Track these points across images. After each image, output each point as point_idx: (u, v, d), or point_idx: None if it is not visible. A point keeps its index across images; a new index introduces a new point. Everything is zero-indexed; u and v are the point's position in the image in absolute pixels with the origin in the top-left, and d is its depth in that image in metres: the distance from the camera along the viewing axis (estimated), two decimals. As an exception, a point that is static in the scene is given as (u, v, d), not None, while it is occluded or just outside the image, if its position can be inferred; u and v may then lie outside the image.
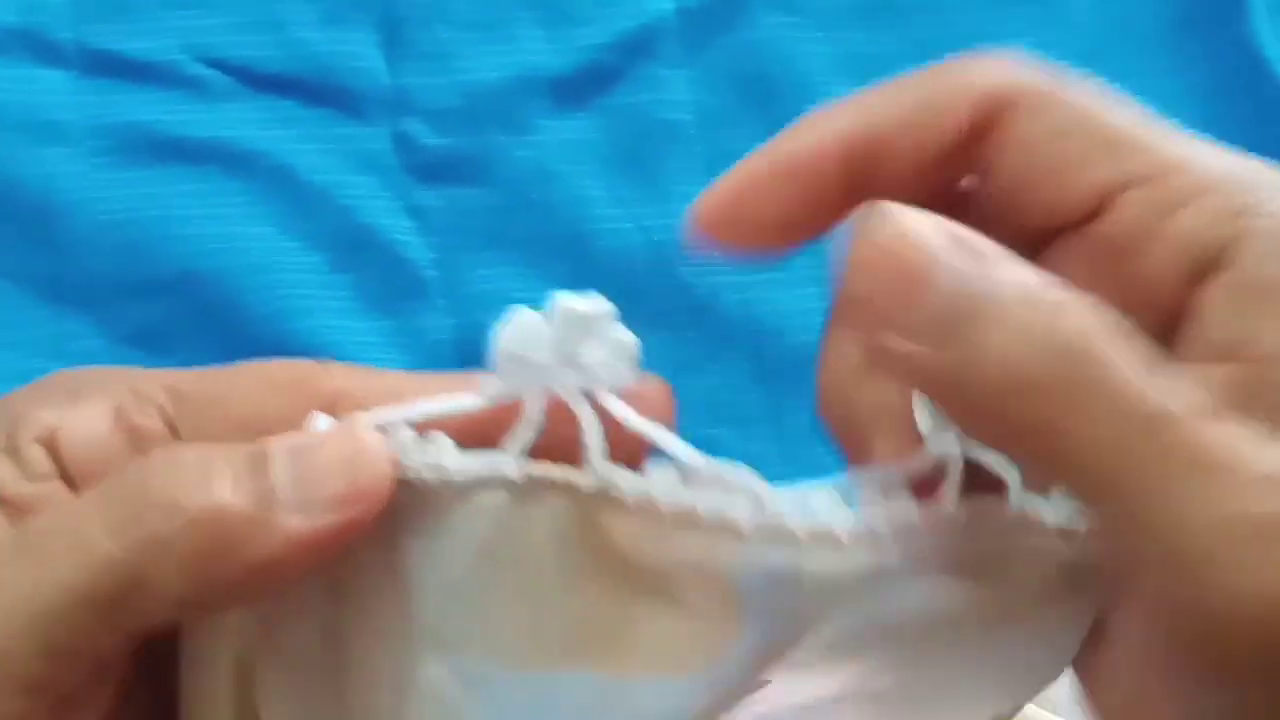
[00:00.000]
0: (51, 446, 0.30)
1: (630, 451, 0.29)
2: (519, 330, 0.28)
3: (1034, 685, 0.31)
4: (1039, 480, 0.30)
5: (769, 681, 0.30)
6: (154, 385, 0.31)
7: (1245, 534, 0.24)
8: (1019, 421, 0.25)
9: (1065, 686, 0.55)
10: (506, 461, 0.29)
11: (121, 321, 0.65)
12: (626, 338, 0.28)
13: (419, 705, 0.29)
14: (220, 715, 0.30)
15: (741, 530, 0.28)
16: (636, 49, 0.69)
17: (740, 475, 0.29)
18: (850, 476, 0.30)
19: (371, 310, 0.66)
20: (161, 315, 0.65)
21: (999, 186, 0.30)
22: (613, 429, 0.29)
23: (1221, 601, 0.24)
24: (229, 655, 0.30)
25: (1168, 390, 0.25)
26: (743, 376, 0.67)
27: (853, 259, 0.27)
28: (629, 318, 0.29)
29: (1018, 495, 0.29)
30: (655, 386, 0.30)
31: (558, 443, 0.29)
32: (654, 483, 0.29)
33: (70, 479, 0.30)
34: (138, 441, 0.30)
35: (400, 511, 0.29)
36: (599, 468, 0.28)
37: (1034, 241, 0.30)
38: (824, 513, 0.29)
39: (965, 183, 0.31)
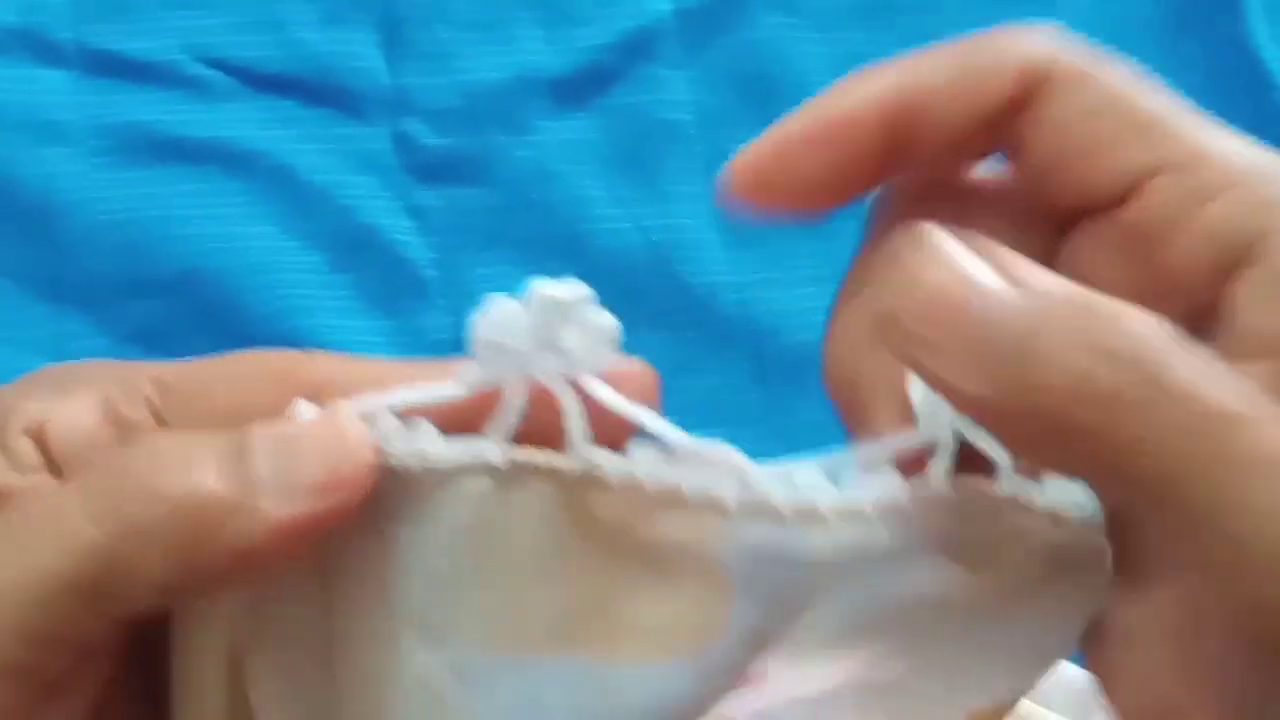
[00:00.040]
0: (39, 438, 0.30)
1: (614, 435, 0.29)
2: (497, 317, 0.28)
3: (1034, 672, 0.31)
4: (1039, 470, 0.30)
5: (764, 674, 0.30)
6: (141, 377, 0.31)
7: None
8: (1082, 433, 0.25)
9: (1063, 686, 0.55)
10: (489, 447, 0.29)
11: (122, 321, 0.65)
12: (606, 321, 0.28)
13: (406, 692, 0.29)
14: (211, 701, 0.30)
15: (726, 507, 0.28)
16: (636, 49, 0.70)
17: (725, 453, 0.29)
18: (838, 454, 0.30)
19: (371, 310, 0.67)
20: (162, 315, 0.65)
21: (1030, 163, 0.30)
22: (596, 413, 0.29)
23: None
24: (219, 641, 0.30)
25: (1231, 391, 0.25)
26: (742, 376, 0.67)
27: (893, 286, 0.26)
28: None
29: (1008, 477, 0.29)
30: (638, 368, 0.30)
31: (542, 428, 0.29)
32: (637, 463, 0.29)
33: (58, 470, 0.30)
34: (125, 433, 0.30)
35: (384, 499, 0.29)
36: (582, 450, 0.29)
37: (1060, 223, 0.30)
38: (809, 489, 0.29)
39: (982, 168, 0.31)
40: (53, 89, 0.67)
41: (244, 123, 0.68)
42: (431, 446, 0.29)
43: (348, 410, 0.29)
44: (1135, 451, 0.25)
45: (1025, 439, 0.27)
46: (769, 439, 0.66)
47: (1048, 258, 0.31)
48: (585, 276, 0.28)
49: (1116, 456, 0.25)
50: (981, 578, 0.30)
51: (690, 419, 0.29)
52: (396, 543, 0.29)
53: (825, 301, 0.32)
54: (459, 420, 0.29)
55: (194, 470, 0.28)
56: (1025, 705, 0.53)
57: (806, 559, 0.29)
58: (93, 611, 0.27)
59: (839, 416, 0.32)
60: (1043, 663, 0.31)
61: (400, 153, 0.68)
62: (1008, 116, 0.30)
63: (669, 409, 0.29)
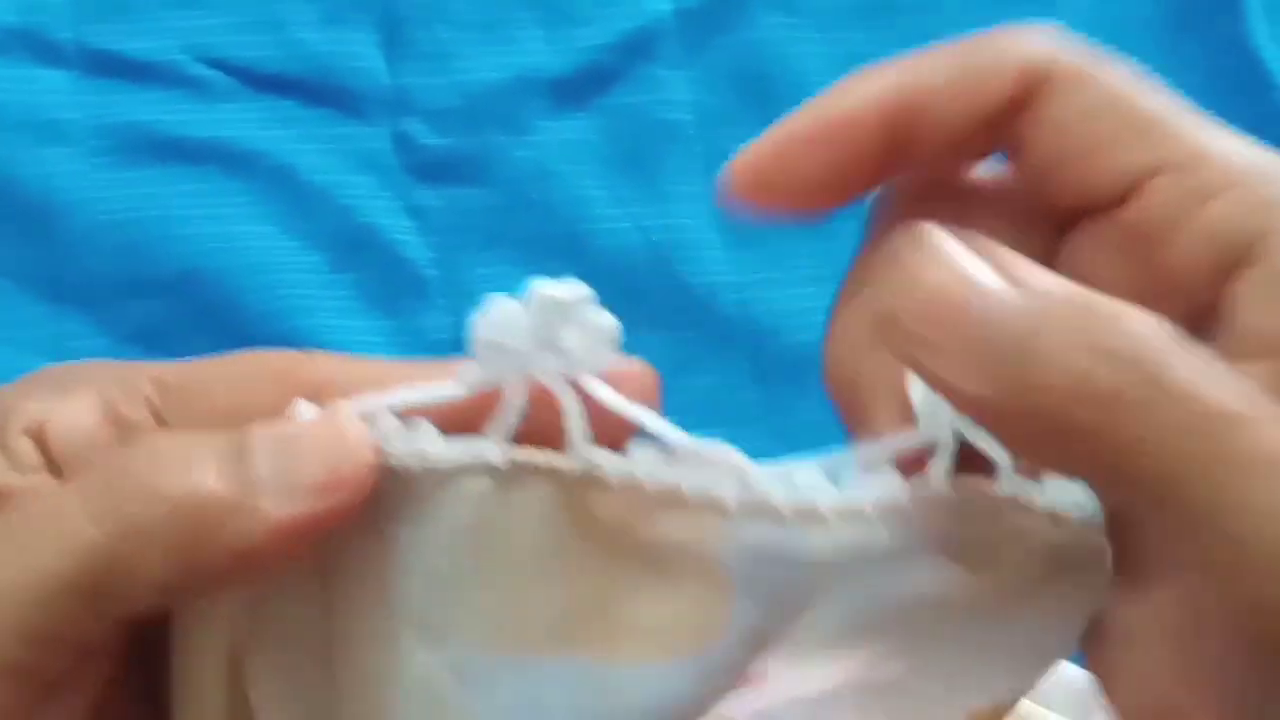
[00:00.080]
0: (39, 438, 0.30)
1: (614, 435, 0.29)
2: (497, 317, 0.28)
3: (1034, 672, 0.31)
4: (1039, 470, 0.30)
5: (764, 674, 0.30)
6: (141, 377, 0.31)
7: None
8: (1082, 433, 0.25)
9: (1063, 686, 0.55)
10: (489, 447, 0.29)
11: (122, 321, 0.65)
12: (606, 321, 0.28)
13: (406, 692, 0.29)
14: (211, 701, 0.30)
15: (726, 507, 0.28)
16: (635, 49, 0.70)
17: (725, 453, 0.29)
18: (838, 454, 0.30)
19: (372, 310, 0.67)
20: (162, 315, 0.65)
21: (1030, 163, 0.30)
22: (596, 413, 0.29)
23: None
24: (219, 641, 0.30)
25: (1231, 391, 0.25)
26: (741, 376, 0.67)
27: (893, 286, 0.26)
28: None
29: (1008, 477, 0.29)
30: (638, 368, 0.30)
31: (542, 429, 0.29)
32: (637, 463, 0.29)
33: (58, 470, 0.30)
34: (125, 433, 0.30)
35: (384, 499, 0.29)
36: (582, 450, 0.29)
37: (1060, 223, 0.30)
38: (809, 489, 0.29)
39: (981, 168, 0.31)
40: (53, 89, 0.67)
41: (244, 123, 0.68)
42: (431, 446, 0.29)
43: (348, 410, 0.29)
44: (1135, 451, 0.25)
45: (1025, 439, 0.27)
46: (769, 439, 0.66)
47: (1048, 258, 0.31)
48: (585, 276, 0.28)
49: (1116, 456, 0.25)
50: (981, 578, 0.30)
51: (690, 419, 0.29)
52: (396, 543, 0.29)
53: (825, 301, 0.32)
54: (459, 420, 0.29)
55: (194, 470, 0.28)
56: (1025, 705, 0.53)
57: (806, 559, 0.29)
58: (93, 611, 0.27)
59: (839, 416, 0.32)
60: (1043, 663, 0.31)
61: (400, 153, 0.68)
62: (1008, 116, 0.30)
63: (669, 409, 0.29)
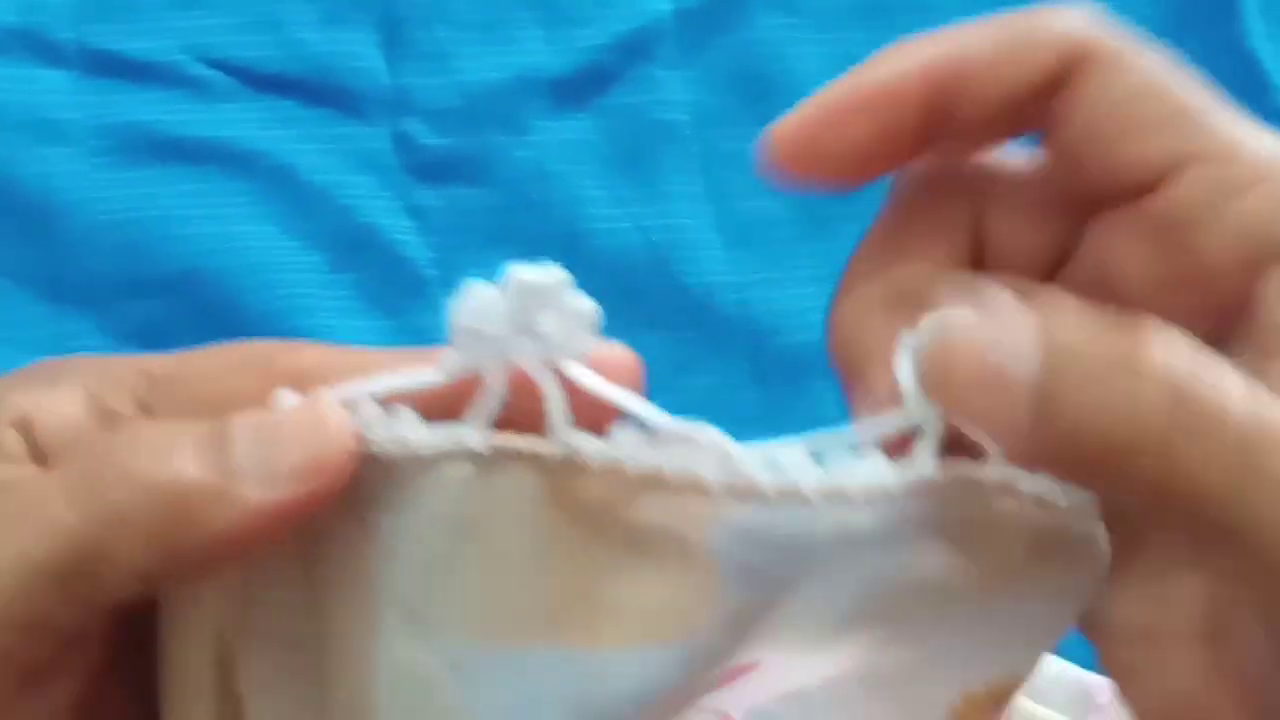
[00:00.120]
0: (26, 430, 0.30)
1: (597, 419, 0.29)
2: (475, 304, 0.28)
3: (1026, 654, 0.31)
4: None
5: (758, 665, 0.30)
6: (127, 369, 0.31)
7: None
8: (1130, 462, 0.26)
9: (1063, 686, 0.54)
10: (470, 433, 0.29)
11: (122, 321, 0.65)
12: (584, 306, 0.28)
13: (392, 678, 0.29)
14: (200, 688, 0.30)
15: (709, 488, 0.28)
16: (635, 50, 0.70)
17: (708, 434, 0.29)
18: (824, 435, 0.30)
19: (371, 309, 0.67)
20: (162, 314, 0.65)
21: (1062, 142, 0.30)
22: (577, 397, 0.29)
23: None
24: (207, 628, 0.30)
25: (1262, 405, 0.25)
26: (740, 375, 0.67)
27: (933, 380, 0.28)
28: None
29: (996, 462, 0.29)
30: (620, 352, 0.30)
31: (524, 414, 0.29)
32: (619, 446, 0.28)
33: (44, 462, 0.30)
34: (111, 424, 0.30)
35: (366, 486, 0.29)
36: (562, 434, 0.28)
37: (1080, 212, 0.30)
38: (793, 469, 0.29)
39: (998, 154, 0.32)
40: (53, 89, 0.67)
41: (244, 123, 0.68)
42: (413, 433, 0.29)
43: (329, 397, 0.29)
44: (1167, 473, 0.25)
45: (1059, 473, 0.28)
46: (767, 439, 0.66)
47: (1066, 245, 0.31)
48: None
49: (1168, 485, 0.25)
50: (969, 561, 0.30)
51: (690, 419, 0.29)
52: (378, 529, 0.29)
53: (824, 301, 0.32)
54: (441, 407, 0.29)
55: (174, 457, 0.28)
56: (1025, 705, 0.53)
57: (792, 541, 0.28)
58: (73, 598, 0.27)
59: (839, 377, 0.32)
60: (1035, 645, 0.31)
61: (400, 153, 0.68)
62: (1046, 93, 0.30)
63: (668, 409, 0.29)
